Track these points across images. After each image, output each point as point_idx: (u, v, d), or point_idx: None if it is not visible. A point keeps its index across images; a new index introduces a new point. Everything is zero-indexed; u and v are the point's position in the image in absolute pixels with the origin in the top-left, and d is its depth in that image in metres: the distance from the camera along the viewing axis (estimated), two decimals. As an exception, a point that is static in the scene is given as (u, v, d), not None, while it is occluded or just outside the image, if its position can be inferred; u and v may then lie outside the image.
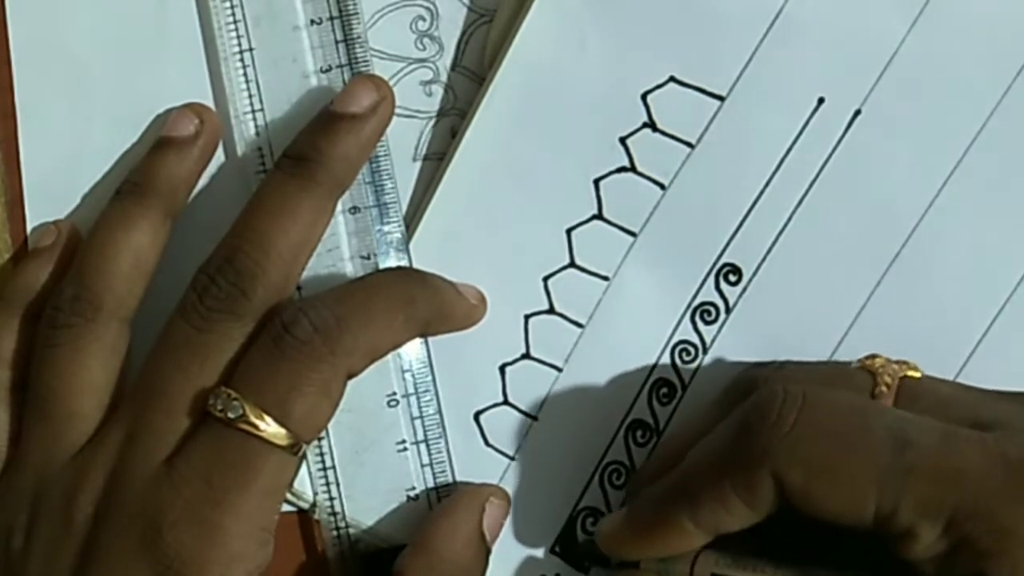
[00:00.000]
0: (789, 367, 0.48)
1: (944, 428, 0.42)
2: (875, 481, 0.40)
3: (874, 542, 0.42)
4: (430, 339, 0.49)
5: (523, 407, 0.50)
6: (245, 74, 0.48)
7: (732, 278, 0.49)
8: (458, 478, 0.49)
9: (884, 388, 0.45)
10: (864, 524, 0.41)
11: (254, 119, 0.48)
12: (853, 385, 0.45)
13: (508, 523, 0.49)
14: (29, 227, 0.49)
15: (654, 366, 0.50)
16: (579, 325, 0.50)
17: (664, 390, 0.50)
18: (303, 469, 0.49)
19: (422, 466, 0.49)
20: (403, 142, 0.49)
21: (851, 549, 0.43)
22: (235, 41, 0.48)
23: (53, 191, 0.49)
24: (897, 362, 0.46)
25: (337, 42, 0.48)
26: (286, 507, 0.49)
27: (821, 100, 0.48)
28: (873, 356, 0.46)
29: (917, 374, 0.46)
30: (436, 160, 0.50)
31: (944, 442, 0.41)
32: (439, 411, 0.49)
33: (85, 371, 0.45)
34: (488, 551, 0.47)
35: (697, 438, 0.45)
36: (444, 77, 0.50)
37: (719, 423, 0.44)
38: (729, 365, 0.49)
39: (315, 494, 0.48)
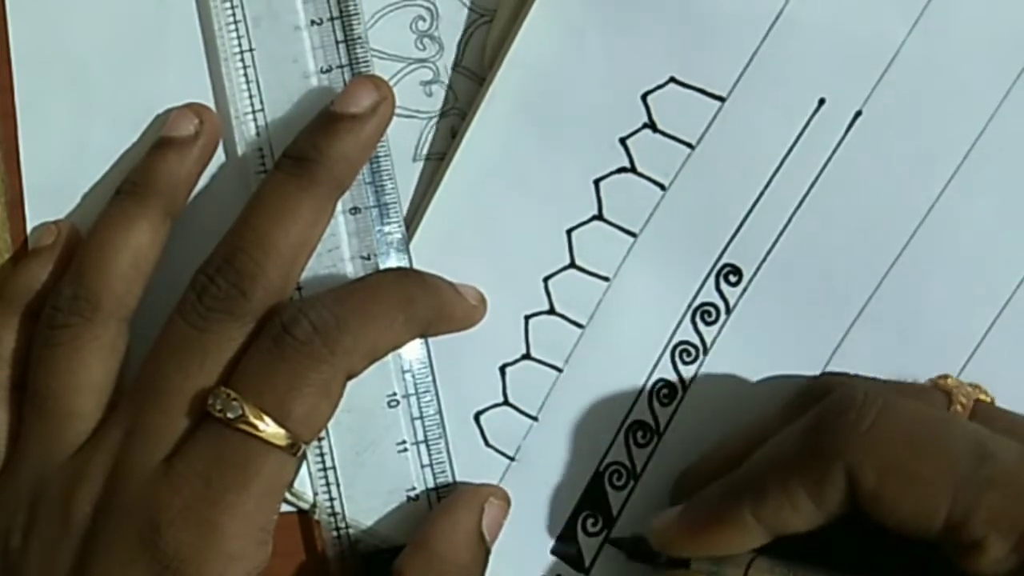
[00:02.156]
0: (862, 377, 0.48)
1: (1023, 448, 0.41)
2: (951, 488, 0.40)
3: (933, 558, 0.41)
4: (430, 340, 0.49)
5: (523, 408, 0.50)
6: (246, 74, 0.48)
7: (732, 279, 0.49)
8: (458, 478, 0.49)
9: (960, 407, 0.45)
10: (932, 532, 0.41)
11: (254, 119, 0.48)
12: (929, 400, 0.45)
13: (508, 523, 0.49)
14: (29, 227, 0.49)
15: (655, 367, 0.50)
16: (579, 326, 0.50)
17: (665, 391, 0.50)
18: (303, 469, 0.49)
19: (422, 466, 0.49)
20: (403, 142, 0.49)
21: (908, 564, 0.43)
22: (235, 41, 0.48)
23: (53, 191, 0.49)
24: (970, 384, 0.46)
25: (338, 42, 0.48)
26: (286, 507, 0.49)
27: (822, 101, 0.48)
28: (945, 376, 0.46)
29: (988, 398, 0.46)
30: (436, 160, 0.50)
31: (1023, 460, 0.41)
32: (439, 411, 0.49)
33: (84, 370, 0.45)
34: (487, 551, 0.47)
35: (757, 439, 0.45)
36: (444, 77, 0.50)
37: (784, 425, 0.44)
38: (730, 366, 0.49)
39: (315, 494, 0.48)
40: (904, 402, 0.42)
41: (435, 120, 0.50)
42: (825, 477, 0.41)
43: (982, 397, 0.46)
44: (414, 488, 0.49)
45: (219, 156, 0.49)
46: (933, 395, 0.45)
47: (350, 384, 0.44)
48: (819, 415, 0.42)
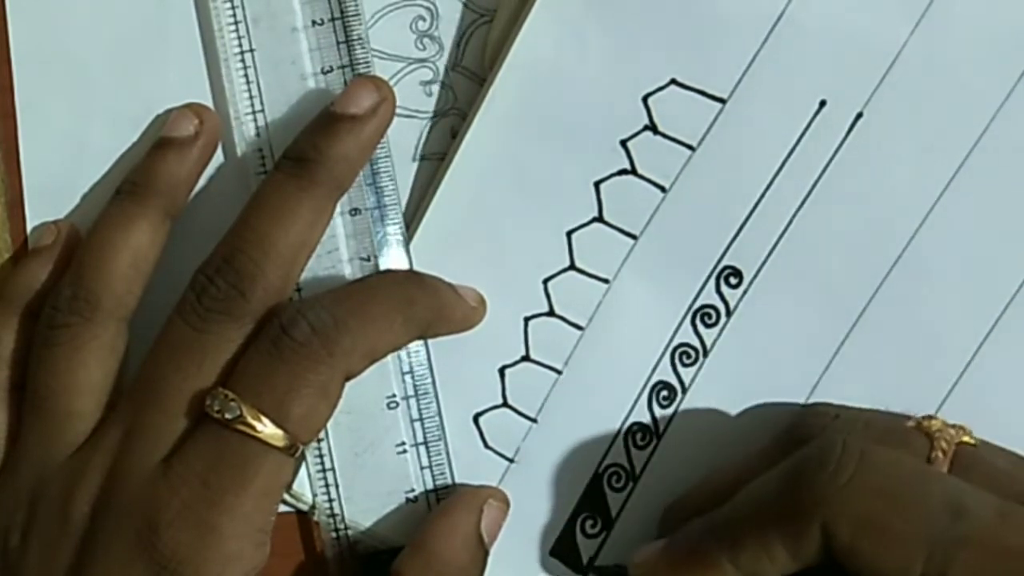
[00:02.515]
0: (844, 417, 0.47)
1: (1000, 504, 0.41)
2: (925, 546, 0.40)
3: None
4: (430, 341, 0.49)
5: (523, 409, 0.50)
6: (246, 75, 0.48)
7: (733, 281, 0.49)
8: (457, 480, 0.49)
9: (940, 454, 0.44)
10: None
11: (254, 120, 0.48)
12: (909, 447, 0.45)
13: (507, 525, 0.49)
14: (29, 227, 0.49)
15: (654, 369, 0.49)
16: (579, 327, 0.49)
17: (664, 393, 0.49)
18: (302, 470, 0.49)
19: (421, 468, 0.49)
20: (403, 142, 0.49)
21: None
22: (236, 42, 0.48)
23: (53, 191, 0.49)
24: (953, 426, 0.45)
25: (338, 43, 0.48)
26: (285, 508, 0.49)
27: (823, 103, 0.48)
28: (930, 417, 0.46)
29: (972, 441, 0.45)
30: (436, 160, 0.50)
31: (1000, 518, 0.40)
32: (439, 413, 0.49)
33: (83, 370, 0.45)
34: (486, 553, 0.47)
35: (742, 477, 0.45)
36: (444, 77, 0.50)
37: (766, 466, 0.44)
38: (730, 369, 0.49)
39: (314, 495, 0.48)
40: (882, 454, 0.42)
41: (435, 120, 0.50)
42: (801, 530, 0.41)
43: (965, 440, 0.45)
44: (413, 489, 0.49)
45: (219, 156, 0.49)
46: (915, 440, 0.45)
47: (349, 385, 0.44)
48: (797, 465, 0.42)
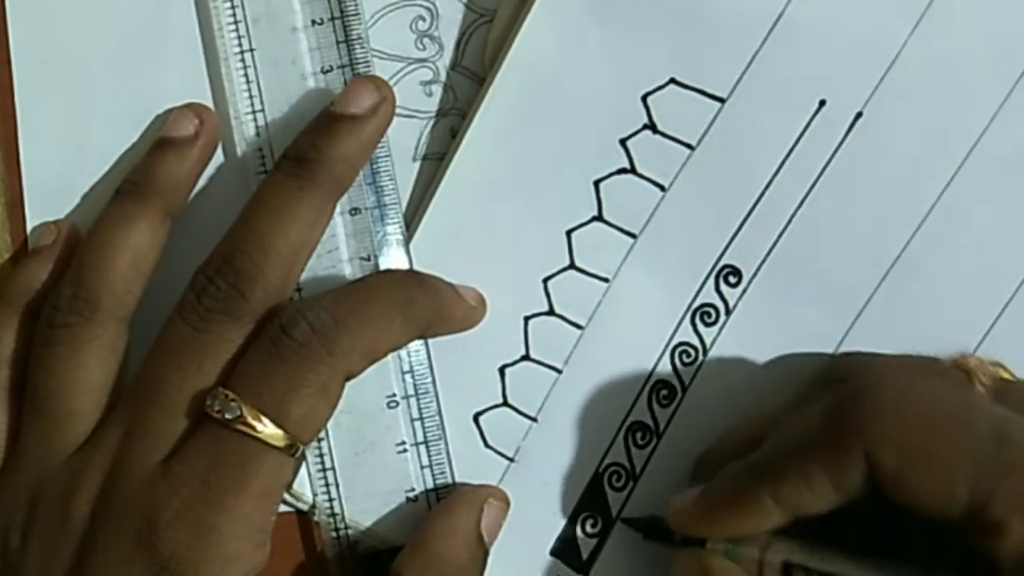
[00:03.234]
0: (883, 357, 0.48)
1: None
2: (971, 471, 0.40)
3: (953, 540, 0.41)
4: (430, 340, 0.49)
5: (523, 409, 0.50)
6: (246, 75, 0.48)
7: (732, 280, 0.49)
8: (458, 479, 0.49)
9: (980, 386, 0.45)
10: (952, 515, 0.40)
11: (254, 120, 0.48)
12: (950, 380, 0.45)
13: (507, 524, 0.49)
14: (29, 227, 0.49)
15: (654, 368, 0.50)
16: (579, 327, 0.49)
17: (664, 392, 0.50)
18: (303, 470, 0.49)
19: (422, 467, 0.49)
20: (403, 142, 0.49)
21: (928, 546, 0.42)
22: (236, 42, 0.48)
23: (53, 191, 0.49)
24: (991, 363, 0.46)
25: (338, 43, 0.48)
26: (285, 507, 0.49)
27: (822, 102, 0.48)
28: (966, 355, 0.46)
29: (1010, 376, 0.46)
30: (436, 160, 0.50)
31: None
32: (439, 412, 0.49)
33: (83, 370, 0.45)
34: (486, 552, 0.47)
35: (776, 422, 0.45)
36: (444, 77, 0.50)
37: (804, 406, 0.44)
38: (729, 367, 0.49)
39: (314, 495, 0.48)
40: (924, 382, 0.42)
41: (435, 120, 0.50)
42: (845, 460, 0.41)
43: (1004, 375, 0.45)
44: (413, 489, 0.49)
45: (219, 156, 0.49)
46: (954, 375, 0.45)
47: (349, 385, 0.44)
48: (840, 398, 0.42)
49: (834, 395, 0.43)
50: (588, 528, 0.50)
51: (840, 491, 0.42)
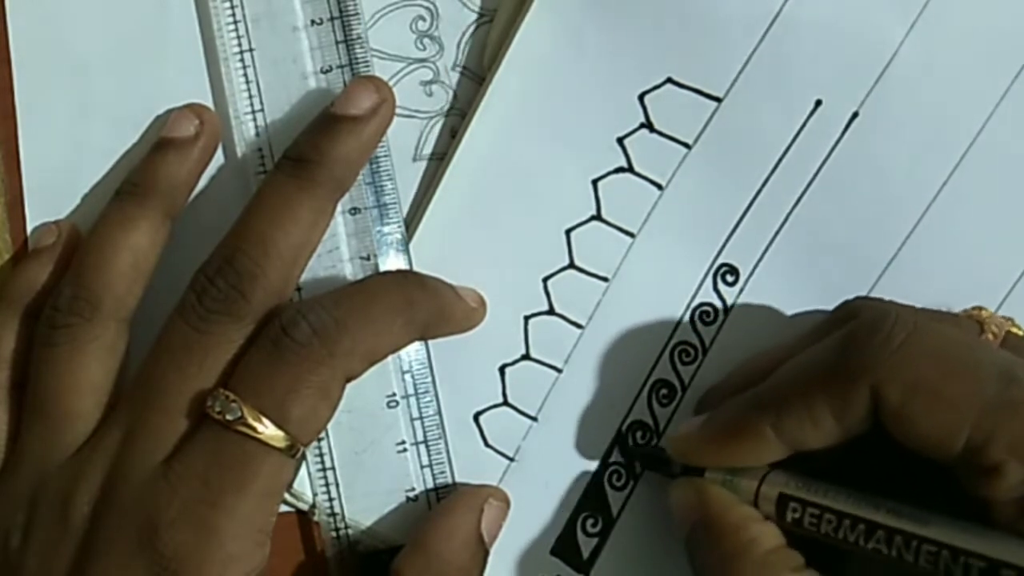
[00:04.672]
0: (894, 302, 0.48)
1: None
2: (974, 409, 0.40)
3: (949, 482, 0.41)
4: (430, 341, 0.49)
5: (523, 408, 0.50)
6: (245, 75, 0.48)
7: (729, 279, 0.49)
8: (458, 479, 0.49)
9: (991, 336, 0.45)
10: (952, 454, 0.41)
11: (254, 120, 0.48)
12: (961, 327, 0.45)
13: (507, 524, 0.49)
14: (29, 227, 0.49)
15: (654, 366, 0.50)
16: (579, 326, 0.50)
17: (664, 391, 0.50)
18: (303, 470, 0.49)
19: (422, 467, 0.49)
20: (403, 142, 0.49)
21: (923, 487, 0.43)
22: (235, 42, 0.48)
23: (53, 191, 0.49)
24: (1004, 317, 0.46)
25: (337, 43, 0.48)
26: (285, 507, 0.49)
27: (819, 102, 0.48)
28: (979, 307, 0.46)
29: (1021, 332, 0.46)
30: (436, 160, 0.50)
31: None
32: (439, 412, 0.49)
33: (83, 371, 0.45)
34: (486, 552, 0.47)
35: (784, 358, 0.45)
36: (444, 77, 0.50)
37: (812, 344, 0.44)
38: (728, 365, 0.49)
39: (314, 495, 0.48)
40: (935, 325, 0.42)
41: (435, 120, 0.50)
42: (850, 393, 0.41)
43: (1014, 330, 0.46)
44: (413, 488, 0.49)
45: (219, 157, 0.49)
46: (965, 323, 0.46)
47: (350, 384, 0.44)
48: (848, 333, 0.43)
49: (844, 330, 0.43)
50: (589, 528, 0.50)
51: (842, 426, 0.42)
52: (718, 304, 0.49)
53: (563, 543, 0.50)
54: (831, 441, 0.43)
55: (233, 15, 0.48)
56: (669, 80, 0.49)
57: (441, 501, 0.48)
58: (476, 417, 0.50)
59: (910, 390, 0.41)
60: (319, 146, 0.46)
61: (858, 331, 0.42)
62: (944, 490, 0.42)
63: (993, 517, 0.41)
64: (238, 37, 0.48)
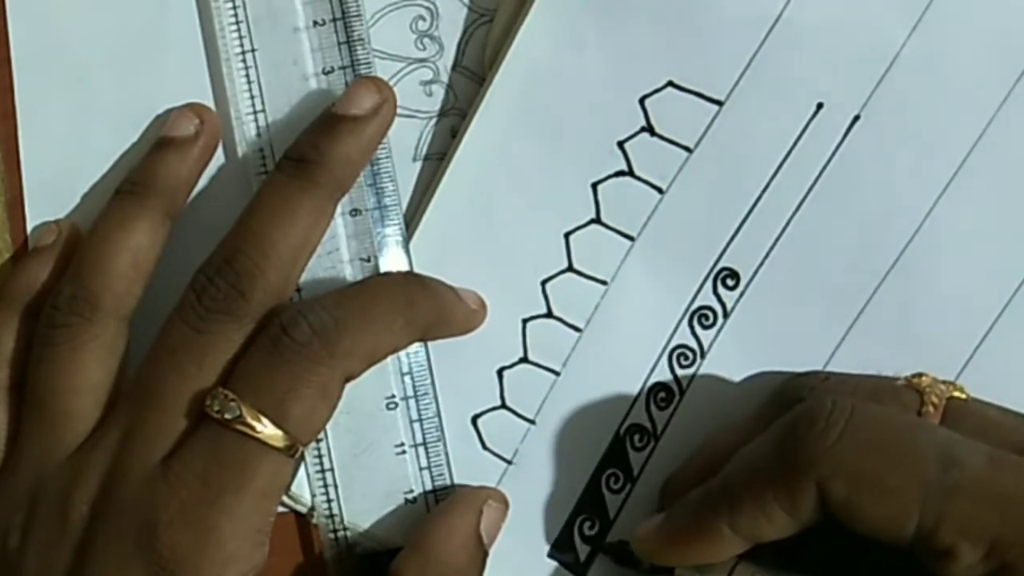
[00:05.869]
0: (834, 379, 0.48)
1: (992, 451, 0.41)
2: (919, 497, 0.40)
3: (911, 561, 0.41)
4: (429, 342, 0.49)
5: (521, 411, 0.50)
6: (247, 75, 0.48)
7: (730, 283, 0.49)
8: (456, 481, 0.49)
9: (931, 408, 0.45)
10: (903, 540, 0.41)
11: (255, 120, 0.48)
12: (900, 403, 0.45)
13: (505, 526, 0.49)
14: (29, 227, 0.49)
15: (652, 371, 0.50)
16: (577, 329, 0.50)
17: (662, 395, 0.50)
18: (301, 472, 0.49)
19: (420, 469, 0.49)
20: (403, 142, 0.49)
21: (888, 566, 0.43)
22: (237, 42, 0.48)
23: (53, 191, 0.49)
24: (944, 382, 0.46)
25: (339, 44, 0.48)
26: (284, 508, 0.49)
27: (820, 105, 0.48)
28: (920, 374, 0.46)
29: (963, 396, 0.46)
30: (436, 160, 0.50)
31: (991, 465, 0.41)
32: (438, 414, 0.49)
33: (82, 370, 0.45)
34: (485, 554, 0.47)
35: (735, 446, 0.45)
36: (444, 77, 0.50)
37: (759, 431, 0.44)
38: (727, 370, 0.49)
39: (313, 496, 0.48)
40: (872, 409, 0.42)
41: (435, 120, 0.50)
42: (796, 489, 0.41)
43: (956, 395, 0.45)
44: (412, 490, 0.49)
45: (219, 157, 0.49)
46: (905, 395, 0.45)
47: (349, 386, 0.44)
48: (788, 425, 0.43)
49: (784, 422, 0.43)
50: (586, 530, 0.50)
51: (795, 519, 0.42)
52: (718, 308, 0.49)
53: (560, 546, 0.50)
54: (786, 532, 0.43)
55: (235, 15, 0.48)
56: (670, 83, 0.49)
57: (440, 503, 0.48)
58: (474, 420, 0.50)
59: (853, 482, 0.41)
60: (320, 146, 0.46)
61: (798, 424, 0.42)
62: (909, 566, 0.42)
63: None
64: (240, 37, 0.48)
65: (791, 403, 0.44)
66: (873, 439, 0.41)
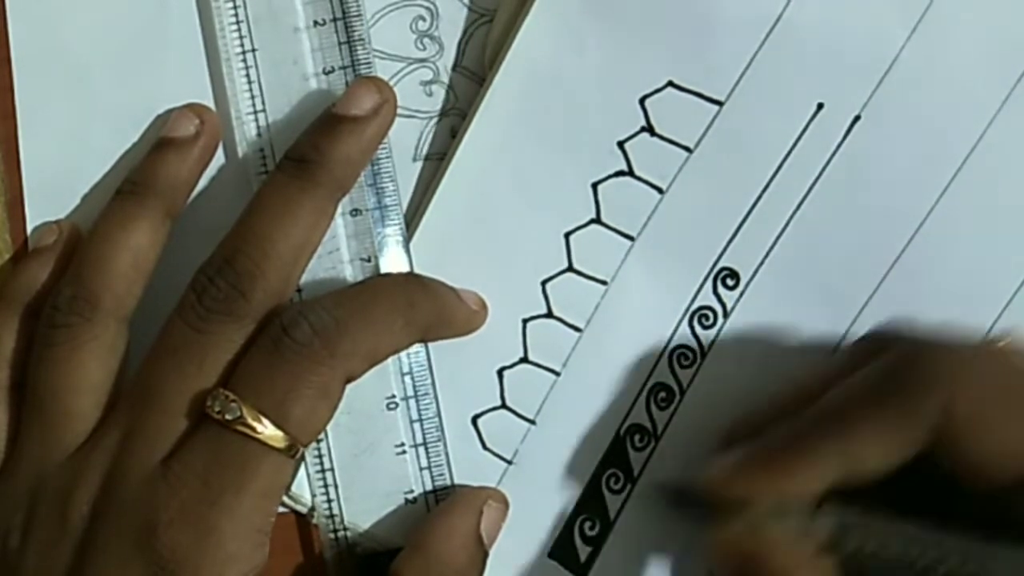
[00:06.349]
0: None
1: None
2: None
3: (996, 514, 0.41)
4: (430, 343, 0.49)
5: (521, 411, 0.50)
6: (247, 75, 0.48)
7: (730, 282, 0.49)
8: (456, 481, 0.49)
9: None
10: (1008, 476, 0.40)
11: (256, 120, 0.48)
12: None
13: (506, 527, 0.49)
14: (29, 227, 0.49)
15: (652, 370, 0.50)
16: (577, 329, 0.50)
17: (662, 395, 0.50)
18: (301, 472, 0.49)
19: (420, 469, 0.49)
20: (403, 142, 0.49)
21: (972, 518, 0.42)
22: (237, 42, 0.48)
23: (53, 191, 0.49)
24: None
25: (339, 44, 0.48)
26: (284, 508, 0.49)
27: (820, 106, 0.48)
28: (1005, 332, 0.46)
29: None
30: (436, 160, 0.50)
31: None
32: (438, 414, 0.49)
33: (82, 370, 0.45)
34: (485, 554, 0.47)
35: (818, 390, 0.44)
36: (444, 77, 0.50)
37: (851, 371, 0.43)
38: (727, 370, 0.49)
39: (313, 496, 0.48)
40: (994, 348, 0.42)
41: (435, 120, 0.50)
42: (919, 405, 0.41)
43: None
44: (412, 491, 0.49)
45: (220, 157, 0.49)
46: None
47: (349, 386, 0.44)
48: (915, 347, 0.42)
49: (907, 344, 0.42)
50: (586, 531, 0.50)
51: (906, 442, 0.41)
52: (718, 308, 0.49)
53: (560, 546, 0.50)
54: (890, 464, 0.42)
55: (235, 15, 0.48)
56: (670, 83, 0.49)
57: (440, 503, 0.48)
58: (474, 420, 0.50)
59: (982, 403, 0.40)
60: (320, 146, 0.46)
61: (924, 345, 0.42)
62: (996, 519, 0.41)
63: None
64: (240, 37, 0.48)
65: (887, 345, 0.43)
66: (1002, 367, 0.41)
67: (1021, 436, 0.40)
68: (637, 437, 0.50)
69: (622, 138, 0.49)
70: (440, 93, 0.50)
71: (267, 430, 0.42)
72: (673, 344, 0.50)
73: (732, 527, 0.43)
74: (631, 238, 0.49)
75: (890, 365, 0.42)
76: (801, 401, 0.44)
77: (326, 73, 0.48)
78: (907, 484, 0.42)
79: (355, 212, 0.48)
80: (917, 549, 0.41)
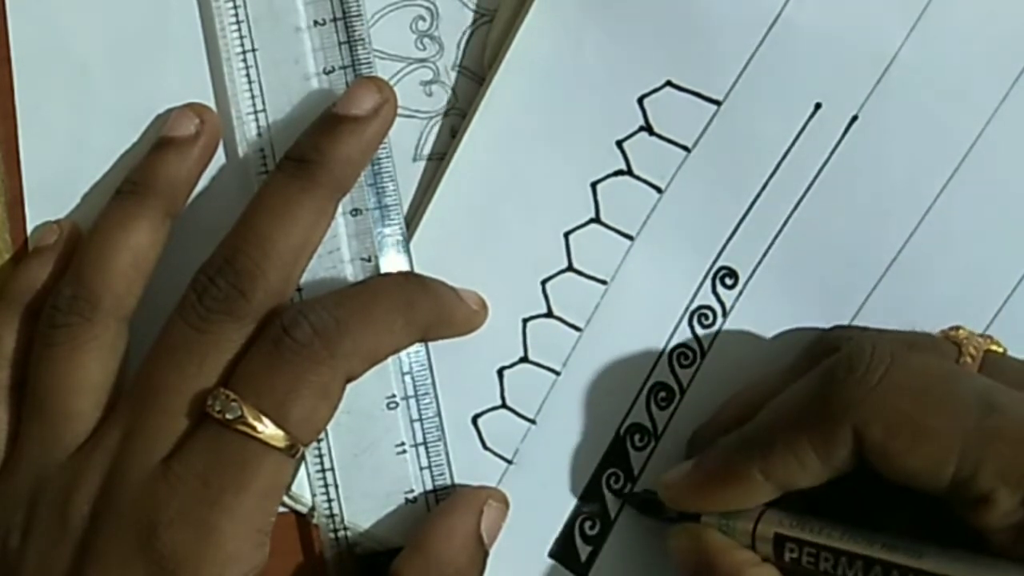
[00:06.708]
0: (872, 330, 0.48)
1: None
2: (957, 442, 0.40)
3: (941, 512, 0.41)
4: (430, 343, 0.49)
5: (521, 411, 0.50)
6: (248, 75, 0.48)
7: (729, 282, 0.49)
8: (456, 481, 0.49)
9: (969, 359, 0.45)
10: (940, 487, 0.40)
11: (256, 120, 0.48)
12: (938, 352, 0.45)
13: (506, 526, 0.49)
14: (29, 227, 0.49)
15: (652, 370, 0.50)
16: (577, 329, 0.50)
17: (662, 394, 0.50)
18: (301, 472, 0.48)
19: (421, 469, 0.49)
20: (403, 142, 0.49)
21: (917, 517, 0.43)
22: (238, 42, 0.48)
23: (53, 191, 0.49)
24: (981, 335, 0.46)
25: (340, 44, 0.48)
26: (284, 508, 0.49)
27: (818, 105, 0.48)
28: (957, 327, 0.46)
29: (1000, 349, 0.46)
30: (436, 160, 0.50)
31: None
32: (438, 414, 0.49)
33: (83, 370, 0.45)
34: (486, 554, 0.47)
35: (766, 396, 0.45)
36: (444, 77, 0.50)
37: (792, 382, 0.44)
38: (727, 369, 0.49)
39: (313, 496, 0.48)
40: (912, 356, 0.42)
41: (435, 120, 0.50)
42: (832, 434, 0.41)
43: (993, 348, 0.45)
44: (412, 490, 0.49)
45: (220, 156, 0.49)
46: (943, 346, 0.45)
47: (349, 386, 0.44)
48: (826, 371, 0.43)
49: (822, 368, 0.43)
50: (587, 530, 0.50)
51: (828, 465, 0.42)
52: (717, 307, 0.49)
53: (561, 546, 0.50)
54: (819, 480, 0.43)
55: (235, 15, 0.48)
56: (669, 83, 0.49)
57: (440, 503, 0.48)
58: (475, 419, 0.50)
59: (892, 427, 0.41)
60: (320, 146, 0.46)
61: (836, 369, 0.42)
62: (938, 517, 0.42)
63: (989, 544, 0.41)
64: (240, 37, 0.48)
65: (827, 353, 0.44)
66: (912, 384, 0.41)
67: (945, 445, 0.40)
68: (637, 436, 0.50)
69: (621, 137, 0.49)
70: (440, 93, 0.50)
71: (267, 430, 0.42)
72: (673, 344, 0.50)
73: (681, 534, 0.46)
74: (630, 237, 0.49)
75: (811, 389, 0.43)
76: (749, 412, 0.45)
77: (326, 73, 0.48)
78: (860, 480, 0.42)
79: (355, 212, 0.48)
80: (844, 566, 0.43)
